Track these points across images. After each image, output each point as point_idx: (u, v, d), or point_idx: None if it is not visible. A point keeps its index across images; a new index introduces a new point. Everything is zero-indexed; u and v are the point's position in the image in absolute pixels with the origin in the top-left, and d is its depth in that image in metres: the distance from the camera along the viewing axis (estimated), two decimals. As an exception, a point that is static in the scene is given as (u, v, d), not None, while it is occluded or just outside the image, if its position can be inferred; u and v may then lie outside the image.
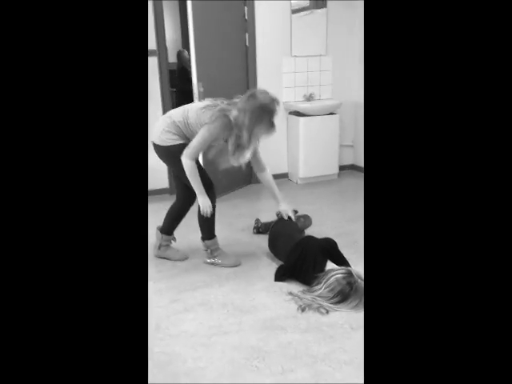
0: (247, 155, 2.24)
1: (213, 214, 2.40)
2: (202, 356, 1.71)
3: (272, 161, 4.18)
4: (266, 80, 3.93)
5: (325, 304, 2.00)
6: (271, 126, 2.19)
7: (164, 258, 2.59)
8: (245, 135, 2.15)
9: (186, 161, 2.19)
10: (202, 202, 2.30)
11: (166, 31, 3.59)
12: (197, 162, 2.31)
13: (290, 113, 4.05)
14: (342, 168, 4.36)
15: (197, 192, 2.29)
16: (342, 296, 2.01)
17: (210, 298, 2.16)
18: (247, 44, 3.78)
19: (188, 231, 2.79)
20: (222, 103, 2.23)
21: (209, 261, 2.51)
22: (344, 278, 2.04)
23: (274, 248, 2.50)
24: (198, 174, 2.25)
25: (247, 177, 4.07)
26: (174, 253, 2.61)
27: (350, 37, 4.13)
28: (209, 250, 2.50)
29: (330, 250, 2.26)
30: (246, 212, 3.34)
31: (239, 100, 2.19)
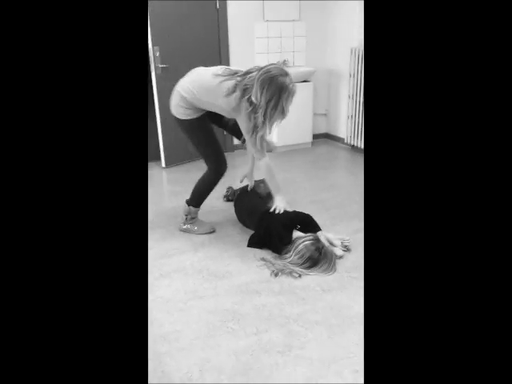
0: (264, 137, 2.19)
1: (211, 187, 2.43)
2: (178, 320, 1.75)
3: (246, 129, 4.18)
4: (239, 45, 3.86)
5: (297, 269, 2.06)
6: (285, 110, 2.11)
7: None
8: (260, 117, 2.08)
9: (261, 162, 2.24)
10: (279, 201, 2.32)
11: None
12: (204, 119, 2.30)
13: (264, 80, 4.00)
14: (315, 137, 4.38)
15: (272, 191, 2.33)
16: (312, 261, 2.07)
17: (186, 264, 2.18)
18: (218, 7, 3.67)
19: (162, 200, 2.78)
20: (236, 76, 2.13)
21: (184, 227, 2.51)
22: (312, 244, 2.10)
23: (242, 219, 2.54)
24: (273, 172, 2.28)
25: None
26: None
27: (323, 2, 4.06)
28: (188, 217, 2.49)
29: (290, 225, 2.27)
30: (221, 180, 3.33)
31: (255, 75, 2.08)
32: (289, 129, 4.04)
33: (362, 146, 3.93)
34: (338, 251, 2.20)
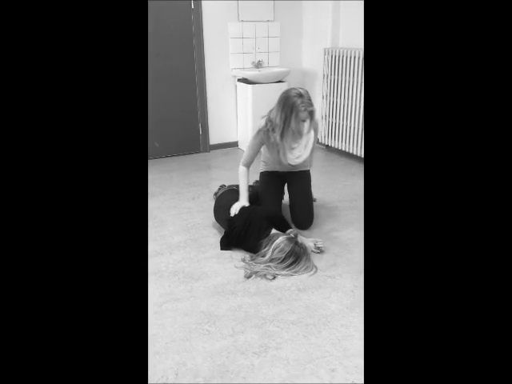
0: (296, 153, 2.26)
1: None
2: (153, 323, 1.72)
3: (222, 129, 4.16)
4: (213, 45, 3.84)
5: (283, 272, 2.04)
6: (295, 131, 2.13)
7: None
8: (277, 135, 2.14)
9: (239, 167, 2.41)
10: (238, 203, 2.34)
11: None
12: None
13: (239, 80, 3.99)
14: (290, 136, 4.39)
15: (240, 193, 2.39)
16: (295, 256, 2.07)
17: (161, 266, 2.15)
18: (192, 7, 3.64)
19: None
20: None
21: None
22: (288, 238, 2.11)
23: (218, 215, 2.51)
24: (244, 178, 2.38)
25: (195, 144, 4.03)
26: None
27: (297, 2, 4.09)
28: None
29: (273, 218, 2.29)
30: (197, 181, 3.32)
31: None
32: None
33: (337, 146, 3.98)
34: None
